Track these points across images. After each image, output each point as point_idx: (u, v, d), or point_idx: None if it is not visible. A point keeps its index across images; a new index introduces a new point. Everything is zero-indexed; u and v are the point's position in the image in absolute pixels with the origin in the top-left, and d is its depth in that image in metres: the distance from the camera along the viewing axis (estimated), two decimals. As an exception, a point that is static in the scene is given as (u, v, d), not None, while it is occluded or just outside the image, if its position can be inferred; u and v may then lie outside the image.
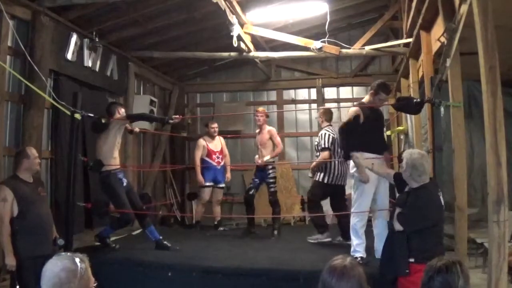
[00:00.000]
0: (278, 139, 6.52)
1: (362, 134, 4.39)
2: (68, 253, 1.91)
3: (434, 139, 4.16)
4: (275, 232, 6.41)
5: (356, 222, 4.48)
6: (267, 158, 6.36)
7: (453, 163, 3.99)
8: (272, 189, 6.46)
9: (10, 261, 3.72)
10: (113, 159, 5.22)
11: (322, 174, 5.76)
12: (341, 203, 5.87)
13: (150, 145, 9.01)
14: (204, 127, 7.67)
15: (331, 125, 5.99)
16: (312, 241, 5.75)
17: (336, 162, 5.69)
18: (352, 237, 4.55)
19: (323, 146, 5.76)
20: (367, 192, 4.41)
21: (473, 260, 5.22)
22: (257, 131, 6.74)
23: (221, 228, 7.10)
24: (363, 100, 4.68)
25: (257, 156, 6.56)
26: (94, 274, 1.94)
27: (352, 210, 4.51)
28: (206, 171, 7.04)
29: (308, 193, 6.00)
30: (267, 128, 6.56)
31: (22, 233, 3.79)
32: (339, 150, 5.70)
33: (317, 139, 5.99)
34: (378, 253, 4.51)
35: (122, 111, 5.37)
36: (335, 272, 1.84)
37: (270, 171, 6.46)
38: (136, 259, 4.85)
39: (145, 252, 5.17)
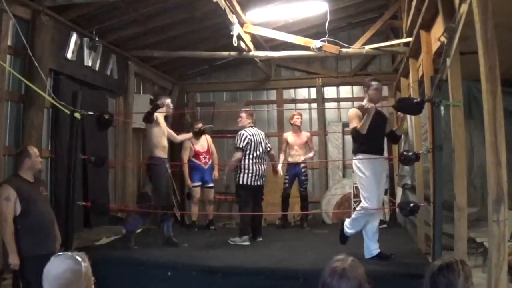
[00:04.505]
0: (312, 143, 7.55)
1: (363, 136, 4.41)
2: (69, 253, 1.91)
3: (434, 139, 4.16)
4: (305, 224, 7.27)
5: (361, 215, 4.53)
6: (310, 155, 7.21)
7: (453, 163, 3.98)
8: (305, 184, 7.20)
9: (14, 260, 3.72)
10: (162, 148, 5.50)
11: (239, 176, 5.83)
12: (257, 202, 6.02)
13: (150, 144, 9.00)
14: (189, 128, 7.66)
15: (252, 127, 6.01)
16: (231, 242, 5.71)
17: (251, 163, 5.79)
18: (350, 225, 4.64)
19: (236, 145, 5.83)
20: (370, 188, 4.46)
21: (473, 259, 5.23)
22: (288, 133, 7.32)
23: (212, 227, 7.10)
24: (363, 103, 4.65)
25: (280, 167, 6.95)
26: (93, 273, 1.94)
27: (361, 205, 4.51)
28: (194, 172, 7.06)
29: (235, 196, 6.09)
30: (304, 132, 7.41)
31: (24, 232, 3.79)
32: (256, 153, 5.84)
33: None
34: (368, 254, 4.54)
35: (167, 101, 5.67)
36: (336, 273, 1.84)
37: (304, 168, 7.18)
38: (136, 259, 4.85)
39: (145, 251, 5.17)
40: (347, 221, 4.73)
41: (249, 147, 5.84)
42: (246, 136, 5.85)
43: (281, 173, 7.01)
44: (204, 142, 7.19)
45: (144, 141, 5.42)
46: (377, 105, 4.56)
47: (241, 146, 5.81)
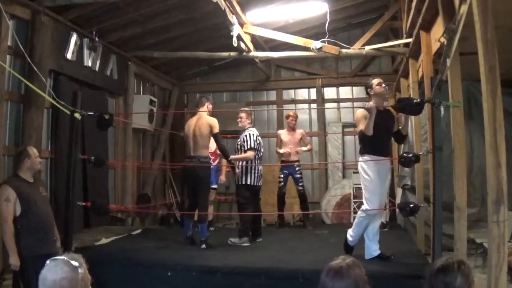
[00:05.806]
0: (308, 139, 7.58)
1: (369, 137, 4.41)
2: (64, 257, 1.87)
3: (434, 139, 4.16)
4: (307, 223, 7.34)
5: (363, 218, 4.54)
6: (304, 149, 7.24)
7: (452, 163, 3.98)
8: (301, 182, 7.20)
9: (15, 261, 3.72)
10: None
11: (245, 177, 5.82)
12: (257, 202, 6.07)
13: (150, 144, 9.01)
14: None
15: (252, 127, 6.05)
16: (230, 243, 5.70)
17: (257, 163, 5.86)
18: (353, 232, 4.64)
19: (250, 146, 5.80)
20: (373, 190, 4.47)
21: (473, 260, 5.22)
22: (283, 131, 7.41)
23: (212, 228, 7.08)
24: (371, 103, 4.60)
25: (283, 150, 7.16)
26: (93, 273, 1.93)
27: (363, 207, 4.53)
28: None
29: (236, 196, 6.09)
30: (298, 130, 7.41)
31: (24, 232, 3.79)
32: (261, 153, 5.95)
33: (239, 140, 5.99)
34: (368, 254, 4.54)
35: (210, 107, 5.95)
36: (331, 272, 1.84)
37: (297, 167, 7.21)
38: (136, 259, 4.85)
39: (145, 252, 5.18)
40: (349, 230, 4.70)
41: (258, 147, 5.88)
42: (257, 137, 5.91)
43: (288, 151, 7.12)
44: (212, 144, 7.16)
45: (201, 140, 5.73)
46: (380, 103, 4.57)
47: (255, 146, 5.82)
